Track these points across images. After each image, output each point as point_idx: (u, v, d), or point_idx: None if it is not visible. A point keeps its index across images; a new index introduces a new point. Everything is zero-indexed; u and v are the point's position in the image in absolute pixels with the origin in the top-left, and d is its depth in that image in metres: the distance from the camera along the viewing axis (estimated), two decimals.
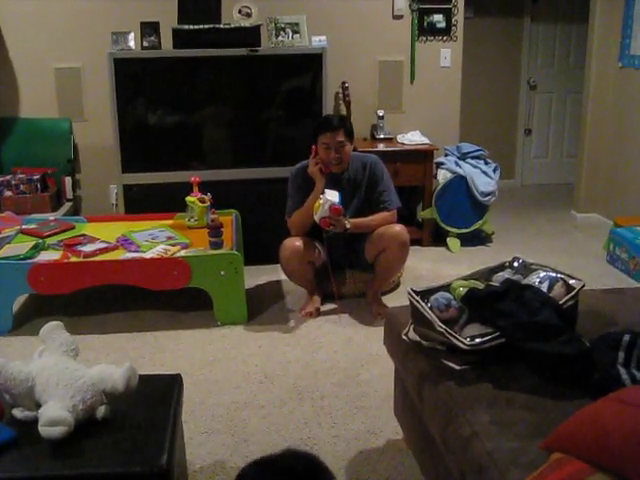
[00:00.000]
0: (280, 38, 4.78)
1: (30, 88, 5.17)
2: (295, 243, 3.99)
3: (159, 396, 2.23)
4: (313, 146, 3.97)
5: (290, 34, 4.80)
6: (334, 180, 3.97)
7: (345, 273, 4.28)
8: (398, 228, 3.98)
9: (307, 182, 3.98)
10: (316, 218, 3.76)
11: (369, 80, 5.43)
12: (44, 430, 1.91)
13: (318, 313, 4.12)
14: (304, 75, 4.82)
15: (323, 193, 3.80)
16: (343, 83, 5.13)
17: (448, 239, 5.30)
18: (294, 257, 4.00)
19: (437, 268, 4.85)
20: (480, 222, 5.31)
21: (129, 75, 4.59)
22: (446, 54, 5.48)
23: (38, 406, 2.01)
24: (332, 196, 3.76)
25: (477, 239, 5.40)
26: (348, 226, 3.85)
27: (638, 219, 5.02)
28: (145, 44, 4.64)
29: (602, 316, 2.49)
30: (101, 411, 2.05)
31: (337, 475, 2.64)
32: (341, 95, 5.18)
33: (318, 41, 4.82)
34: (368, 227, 4.01)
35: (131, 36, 4.63)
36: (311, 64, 4.73)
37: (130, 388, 2.05)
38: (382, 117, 5.34)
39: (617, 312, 2.53)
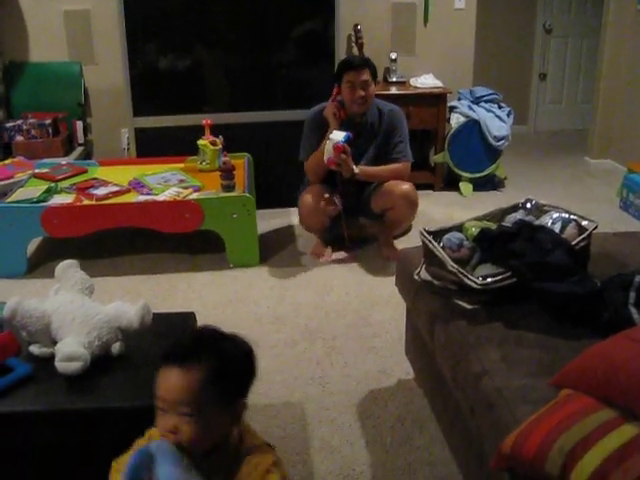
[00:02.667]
0: None
1: (39, 32, 5.11)
2: (313, 200, 3.92)
3: (173, 333, 2.24)
4: (335, 88, 3.92)
5: None
6: (352, 126, 3.88)
7: (356, 219, 4.27)
8: (407, 186, 3.90)
9: (323, 125, 3.91)
10: (325, 160, 3.73)
11: (382, 23, 5.34)
12: (61, 365, 1.95)
13: (329, 261, 4.10)
14: (317, 17, 4.74)
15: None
16: (355, 25, 5.04)
17: (460, 183, 5.28)
18: (312, 214, 3.97)
19: (449, 212, 4.83)
20: (493, 167, 5.27)
21: (139, 16, 4.52)
22: None
23: (54, 343, 2.05)
24: (338, 135, 3.70)
25: (489, 184, 5.36)
26: (356, 171, 3.78)
27: None
28: None
29: (614, 258, 2.50)
30: (116, 347, 2.09)
31: (349, 412, 2.69)
32: (354, 38, 5.11)
33: None
34: (378, 177, 3.95)
35: None
36: (324, 6, 4.64)
37: (145, 325, 2.08)
38: (395, 60, 5.27)
39: (629, 255, 2.52)
